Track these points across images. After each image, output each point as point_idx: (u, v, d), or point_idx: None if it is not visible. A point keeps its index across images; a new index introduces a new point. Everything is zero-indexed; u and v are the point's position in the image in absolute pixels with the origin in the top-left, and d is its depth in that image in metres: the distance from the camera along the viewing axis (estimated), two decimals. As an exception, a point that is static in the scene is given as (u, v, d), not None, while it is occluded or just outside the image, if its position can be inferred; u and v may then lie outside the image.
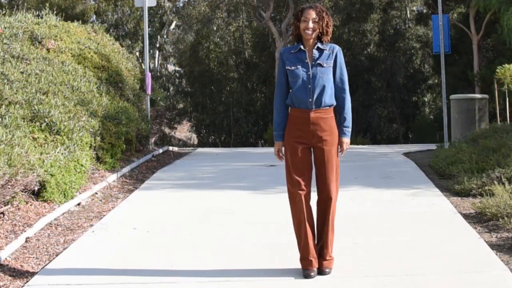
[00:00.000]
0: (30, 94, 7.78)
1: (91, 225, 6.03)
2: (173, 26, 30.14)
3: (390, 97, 26.20)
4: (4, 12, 11.31)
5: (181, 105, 28.86)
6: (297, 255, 4.42)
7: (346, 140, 4.41)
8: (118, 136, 9.08)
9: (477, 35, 21.72)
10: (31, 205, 6.26)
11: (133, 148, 10.18)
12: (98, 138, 8.52)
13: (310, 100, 4.30)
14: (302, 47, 4.37)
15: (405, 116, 26.46)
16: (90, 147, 8.13)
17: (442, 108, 12.78)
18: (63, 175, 6.78)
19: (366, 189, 7.62)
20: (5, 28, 10.19)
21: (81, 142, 7.66)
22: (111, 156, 8.83)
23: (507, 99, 12.21)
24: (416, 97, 26.87)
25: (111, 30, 26.80)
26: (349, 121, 4.41)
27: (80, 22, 12.60)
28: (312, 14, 4.31)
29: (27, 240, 5.43)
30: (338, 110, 4.40)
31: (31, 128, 7.07)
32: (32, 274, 4.61)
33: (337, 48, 4.43)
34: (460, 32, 22.68)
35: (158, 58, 29.90)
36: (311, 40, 4.35)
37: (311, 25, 4.30)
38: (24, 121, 7.03)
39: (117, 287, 4.27)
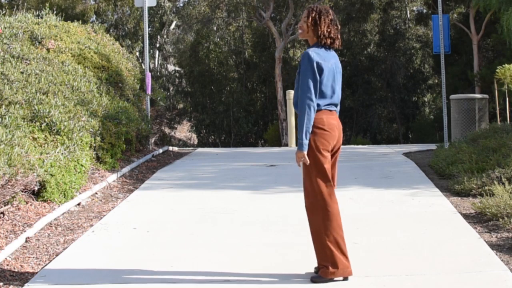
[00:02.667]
0: (30, 94, 7.78)
1: (91, 225, 6.03)
2: (173, 26, 30.14)
3: (390, 97, 26.20)
4: (4, 12, 11.31)
5: (181, 105, 28.87)
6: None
7: (296, 152, 4.18)
8: (118, 136, 9.08)
9: (477, 35, 21.74)
10: (31, 205, 6.27)
11: (133, 148, 10.18)
12: (98, 138, 8.53)
13: None
14: None
15: (405, 116, 26.47)
16: (90, 147, 8.13)
17: (442, 108, 12.78)
18: (63, 175, 6.78)
19: (366, 189, 7.62)
20: (5, 28, 10.19)
21: (81, 142, 7.66)
22: (111, 156, 8.83)
23: (507, 99, 12.21)
24: (416, 97, 26.88)
25: (111, 30, 26.84)
26: (299, 131, 4.14)
27: (80, 22, 12.60)
28: (304, 13, 4.35)
29: (27, 240, 5.43)
30: None
31: (31, 128, 7.07)
32: (32, 274, 4.61)
33: (303, 54, 4.28)
34: (460, 32, 22.70)
35: (158, 58, 29.91)
36: (309, 42, 4.36)
37: (300, 24, 4.36)
38: (24, 121, 7.03)
39: (117, 287, 4.27)
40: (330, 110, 4.28)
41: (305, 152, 4.16)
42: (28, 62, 9.08)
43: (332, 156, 4.32)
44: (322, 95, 4.23)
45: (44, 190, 6.46)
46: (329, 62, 4.26)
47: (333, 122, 4.26)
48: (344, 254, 4.20)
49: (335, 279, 4.21)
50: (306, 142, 4.15)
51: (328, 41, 4.29)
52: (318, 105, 4.21)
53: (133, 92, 11.75)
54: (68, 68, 9.66)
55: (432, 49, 15.12)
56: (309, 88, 4.18)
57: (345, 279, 4.23)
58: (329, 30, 4.27)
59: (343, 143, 25.92)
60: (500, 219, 5.58)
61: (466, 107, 11.54)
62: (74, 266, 4.73)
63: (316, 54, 4.23)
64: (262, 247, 5.14)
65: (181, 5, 30.06)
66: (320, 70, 4.21)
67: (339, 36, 4.33)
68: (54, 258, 4.98)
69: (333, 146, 4.29)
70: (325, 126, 4.21)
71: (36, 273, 4.62)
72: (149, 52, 24.67)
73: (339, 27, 4.35)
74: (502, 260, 4.60)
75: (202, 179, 8.85)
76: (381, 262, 4.64)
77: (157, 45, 28.97)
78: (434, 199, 6.86)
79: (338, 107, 4.41)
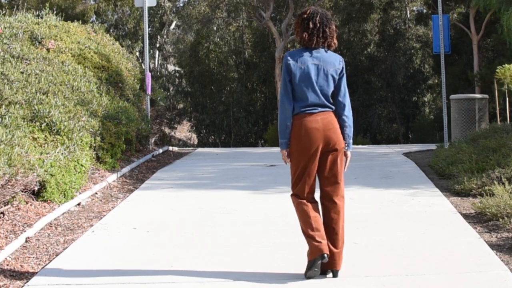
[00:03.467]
0: (30, 94, 7.78)
1: (91, 225, 6.03)
2: (173, 26, 30.15)
3: (390, 97, 26.21)
4: (4, 12, 11.31)
5: (181, 105, 28.87)
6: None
7: None
8: (118, 136, 9.08)
9: (477, 35, 21.75)
10: (31, 205, 6.27)
11: (133, 148, 10.18)
12: (98, 138, 8.53)
13: None
14: None
15: (405, 116, 26.47)
16: (90, 147, 8.13)
17: (442, 108, 12.78)
18: (63, 175, 6.78)
19: (366, 189, 7.62)
20: (5, 28, 10.19)
21: (81, 142, 7.66)
22: (111, 156, 8.83)
23: (507, 99, 12.21)
24: (416, 97, 26.89)
25: (111, 30, 26.85)
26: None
27: (80, 22, 12.60)
28: None
29: (27, 240, 5.43)
30: None
31: (31, 128, 7.07)
32: (32, 274, 4.61)
33: None
34: (460, 32, 22.70)
35: (158, 58, 29.91)
36: None
37: None
38: (24, 121, 7.03)
39: (117, 287, 4.27)
40: (311, 113, 4.24)
41: (283, 150, 4.33)
42: (28, 62, 9.09)
43: (326, 157, 4.29)
44: (296, 97, 4.27)
45: (44, 190, 6.46)
46: (304, 63, 4.25)
47: (313, 126, 4.22)
48: (312, 237, 4.22)
49: (310, 278, 4.28)
50: (281, 141, 4.33)
51: (298, 39, 4.34)
52: (295, 108, 4.26)
53: (133, 92, 11.75)
54: (68, 68, 9.66)
55: (432, 49, 15.13)
56: (281, 88, 4.33)
57: (322, 257, 4.22)
58: (299, 29, 4.33)
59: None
60: (500, 219, 5.58)
61: (466, 107, 11.54)
62: (74, 266, 4.73)
63: (291, 55, 4.31)
64: (262, 247, 5.14)
65: (181, 5, 30.07)
66: (289, 71, 4.27)
67: (305, 35, 4.26)
68: (54, 258, 4.97)
69: (322, 148, 4.25)
70: (301, 131, 4.23)
71: (36, 273, 4.62)
72: (149, 52, 24.68)
73: (317, 25, 4.26)
74: (502, 260, 4.60)
75: (202, 179, 8.85)
76: (381, 262, 4.64)
77: (157, 45, 28.97)
78: (434, 199, 6.86)
79: (346, 107, 4.31)
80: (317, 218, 4.28)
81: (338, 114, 4.33)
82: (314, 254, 4.23)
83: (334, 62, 4.32)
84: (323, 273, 4.32)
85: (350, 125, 4.34)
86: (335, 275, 4.30)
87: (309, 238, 4.24)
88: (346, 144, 4.33)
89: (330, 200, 4.36)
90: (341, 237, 4.34)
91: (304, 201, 4.31)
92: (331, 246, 4.28)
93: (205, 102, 26.44)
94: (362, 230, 5.60)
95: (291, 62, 4.26)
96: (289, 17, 23.74)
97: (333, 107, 4.32)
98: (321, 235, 4.23)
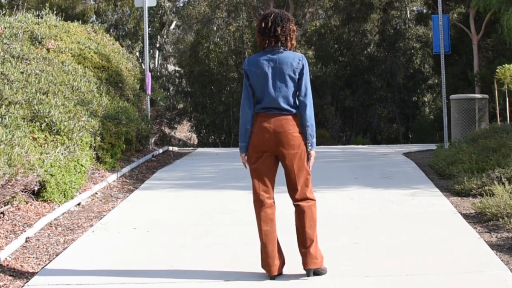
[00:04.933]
0: (30, 94, 7.78)
1: (91, 225, 6.03)
2: (173, 26, 30.14)
3: (390, 97, 26.20)
4: (4, 12, 11.31)
5: (181, 105, 28.87)
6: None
7: None
8: (118, 136, 9.08)
9: (477, 35, 21.76)
10: (31, 205, 6.27)
11: (133, 148, 10.18)
12: (98, 138, 8.53)
13: None
14: None
15: (405, 116, 26.46)
16: (90, 147, 8.13)
17: (442, 108, 12.78)
18: (63, 175, 6.78)
19: (366, 189, 7.62)
20: (5, 28, 10.19)
21: (81, 142, 7.66)
22: (111, 156, 8.83)
23: (507, 99, 12.22)
24: (416, 97, 26.88)
25: (111, 30, 26.84)
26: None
27: (80, 22, 12.60)
28: None
29: (27, 240, 5.43)
30: None
31: (31, 128, 7.07)
32: (32, 274, 4.61)
33: None
34: (460, 32, 22.70)
35: (158, 58, 29.90)
36: None
37: None
38: (24, 121, 7.03)
39: (117, 287, 4.27)
40: (267, 113, 4.26)
41: (243, 154, 4.37)
42: (28, 62, 9.09)
43: (283, 161, 4.30)
44: (256, 99, 4.32)
45: (44, 190, 6.46)
46: (260, 67, 4.25)
47: (265, 125, 4.24)
48: (266, 252, 4.27)
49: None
50: (240, 144, 4.36)
51: (258, 43, 4.37)
52: (255, 108, 4.31)
53: (133, 92, 11.76)
54: (68, 68, 9.66)
55: (432, 49, 15.13)
56: (243, 92, 4.37)
57: (271, 278, 4.29)
58: (256, 32, 4.36)
59: (343, 143, 25.53)
60: (500, 219, 5.58)
61: (466, 107, 11.54)
62: (74, 266, 4.73)
63: (249, 60, 4.35)
64: (262, 247, 5.13)
65: (181, 5, 30.07)
66: (246, 75, 4.33)
67: (259, 36, 4.28)
68: (54, 258, 4.98)
69: (274, 150, 4.27)
70: (254, 128, 4.28)
71: (36, 273, 4.62)
72: (149, 52, 24.66)
73: (269, 24, 4.22)
74: (502, 260, 4.60)
75: (202, 179, 8.84)
76: (381, 262, 4.64)
77: (157, 45, 28.96)
78: (434, 199, 6.86)
79: (307, 107, 4.24)
80: (268, 233, 4.29)
81: (300, 114, 4.29)
82: (263, 267, 4.32)
83: (292, 62, 4.25)
84: (307, 274, 4.31)
85: (311, 124, 4.29)
86: (308, 274, 4.29)
87: (264, 253, 4.29)
88: (309, 144, 4.30)
89: (293, 204, 4.37)
90: (309, 236, 4.29)
91: (260, 211, 4.30)
92: (300, 246, 4.32)
93: (205, 102, 26.43)
94: (362, 230, 5.59)
95: (248, 67, 4.30)
96: (289, 17, 23.71)
97: (294, 110, 4.27)
98: (269, 253, 4.27)
